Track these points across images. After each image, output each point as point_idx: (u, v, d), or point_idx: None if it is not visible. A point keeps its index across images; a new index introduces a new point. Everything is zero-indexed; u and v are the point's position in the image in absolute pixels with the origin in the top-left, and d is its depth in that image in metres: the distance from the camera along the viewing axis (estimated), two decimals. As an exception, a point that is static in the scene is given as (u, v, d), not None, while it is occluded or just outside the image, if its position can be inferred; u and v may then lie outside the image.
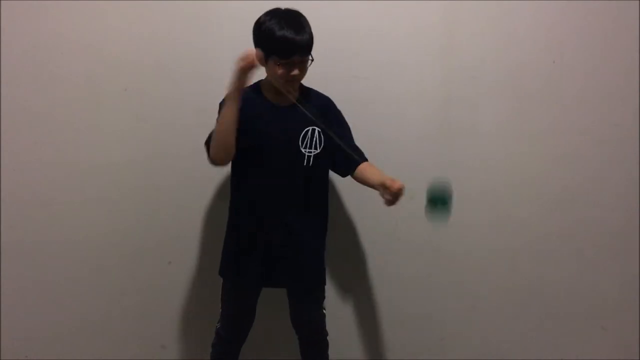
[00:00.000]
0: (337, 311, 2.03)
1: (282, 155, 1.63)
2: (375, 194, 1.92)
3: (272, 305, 1.85)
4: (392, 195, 1.52)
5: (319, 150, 1.65)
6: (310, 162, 1.64)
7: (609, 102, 1.93)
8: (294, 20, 1.55)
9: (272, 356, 2.04)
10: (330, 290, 2.00)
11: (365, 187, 1.92)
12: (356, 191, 1.84)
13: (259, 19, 1.57)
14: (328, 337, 1.84)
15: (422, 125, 1.93)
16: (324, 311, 1.81)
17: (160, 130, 1.88)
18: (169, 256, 1.96)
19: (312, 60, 1.59)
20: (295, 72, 1.56)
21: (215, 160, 1.62)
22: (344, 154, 1.64)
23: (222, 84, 1.76)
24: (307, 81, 1.71)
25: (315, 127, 1.64)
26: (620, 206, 1.98)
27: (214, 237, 1.94)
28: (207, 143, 1.63)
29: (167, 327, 2.00)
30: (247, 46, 1.70)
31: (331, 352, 1.93)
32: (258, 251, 1.67)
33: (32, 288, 1.93)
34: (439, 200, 1.54)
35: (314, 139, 1.65)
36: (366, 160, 1.70)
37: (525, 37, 1.88)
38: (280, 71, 1.55)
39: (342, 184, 1.82)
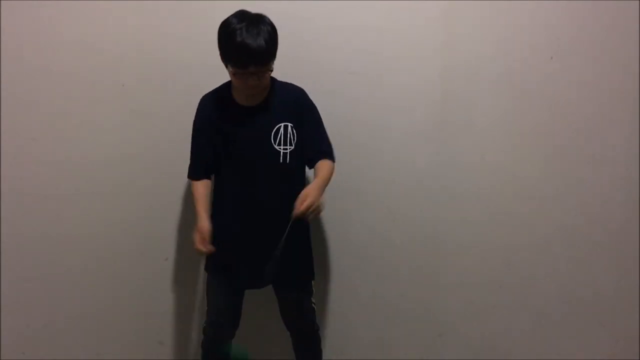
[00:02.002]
0: (333, 308, 2.03)
1: (257, 155, 1.62)
2: (369, 190, 1.95)
3: (265, 305, 1.85)
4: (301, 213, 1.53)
5: (293, 147, 1.64)
6: (287, 159, 1.63)
7: (606, 98, 1.92)
8: (254, 25, 1.50)
9: (266, 356, 2.04)
10: (326, 287, 2.00)
11: (362, 183, 1.96)
12: (352, 186, 1.86)
13: (225, 20, 1.55)
14: (320, 332, 1.85)
15: (420, 121, 1.93)
16: (313, 305, 1.81)
17: (157, 126, 1.88)
18: (166, 253, 1.97)
19: (271, 70, 1.56)
20: (252, 82, 1.53)
21: None
22: (308, 147, 1.65)
23: (219, 80, 1.78)
24: (304, 77, 1.73)
25: (287, 123, 1.63)
26: (618, 203, 1.97)
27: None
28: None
29: (165, 323, 2.01)
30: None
31: (327, 350, 1.93)
32: (243, 252, 1.67)
33: (26, 285, 1.93)
34: None
35: (288, 135, 1.63)
36: (328, 158, 1.68)
37: (522, 34, 1.89)
38: (237, 80, 1.54)
39: (338, 179, 1.82)
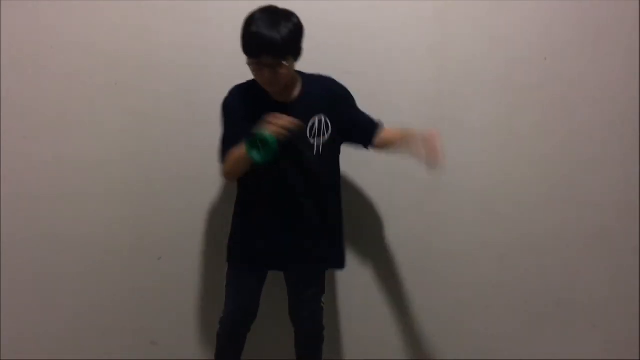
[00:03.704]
0: (326, 308, 2.01)
1: (292, 149, 1.57)
2: (363, 189, 1.94)
3: (273, 305, 1.83)
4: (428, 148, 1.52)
5: (327, 137, 1.62)
6: (320, 151, 1.62)
7: (600, 99, 1.93)
8: (275, 18, 1.47)
9: (272, 356, 2.02)
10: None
11: (355, 182, 1.94)
12: (345, 186, 1.85)
13: (251, 12, 1.52)
14: (324, 332, 1.83)
15: (414, 121, 1.89)
16: (323, 305, 1.78)
17: (150, 125, 1.88)
18: (159, 252, 1.96)
19: (287, 64, 1.49)
20: (267, 75, 1.49)
21: (227, 179, 1.71)
22: (360, 127, 1.66)
23: (213, 78, 1.78)
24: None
25: (322, 115, 1.61)
26: (611, 203, 1.97)
27: (204, 233, 1.95)
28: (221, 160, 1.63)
29: (157, 323, 2.00)
30: (239, 42, 1.70)
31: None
32: (269, 237, 1.66)
33: (18, 284, 1.92)
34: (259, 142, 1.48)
35: (322, 127, 1.62)
36: (381, 126, 1.69)
37: (516, 34, 1.89)
38: (252, 72, 1.51)
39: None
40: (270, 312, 1.86)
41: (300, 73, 1.65)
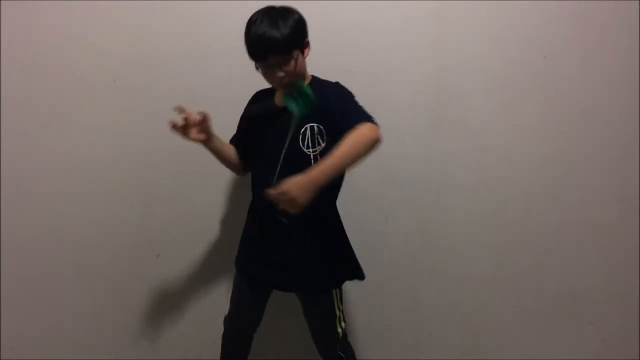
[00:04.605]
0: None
1: (285, 156, 1.47)
2: (362, 188, 1.94)
3: (278, 306, 1.83)
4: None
5: (323, 146, 1.50)
6: (314, 162, 1.49)
7: (600, 98, 1.93)
8: (273, 17, 1.42)
9: (275, 356, 2.03)
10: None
11: (354, 180, 1.93)
12: (344, 184, 1.85)
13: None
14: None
15: (413, 119, 1.93)
16: (339, 330, 1.64)
17: (149, 122, 1.87)
18: (158, 249, 1.96)
19: (295, 62, 1.45)
20: (280, 74, 1.45)
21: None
22: (338, 118, 1.44)
23: (212, 76, 1.78)
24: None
25: (313, 124, 1.50)
26: (610, 202, 1.98)
27: (203, 231, 1.95)
28: None
29: (155, 320, 2.00)
30: (237, 39, 1.70)
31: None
32: (263, 253, 1.61)
33: (19, 284, 1.93)
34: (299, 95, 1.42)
35: (315, 135, 1.51)
36: (358, 124, 1.38)
37: (515, 32, 1.89)
38: (266, 78, 1.49)
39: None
40: (279, 313, 1.87)
41: (313, 77, 1.60)
